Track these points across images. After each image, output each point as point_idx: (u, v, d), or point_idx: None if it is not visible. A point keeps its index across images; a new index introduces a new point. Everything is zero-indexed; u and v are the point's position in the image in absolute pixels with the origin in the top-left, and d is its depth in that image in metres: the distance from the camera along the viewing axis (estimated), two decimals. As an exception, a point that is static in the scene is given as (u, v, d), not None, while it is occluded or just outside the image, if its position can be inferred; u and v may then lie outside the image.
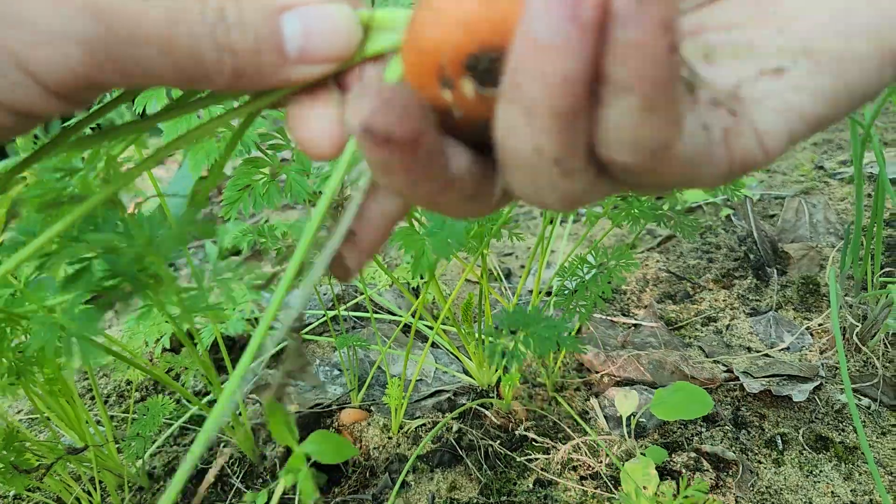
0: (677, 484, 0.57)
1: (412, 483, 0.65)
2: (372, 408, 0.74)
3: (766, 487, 0.59)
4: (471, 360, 0.75)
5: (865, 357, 0.71)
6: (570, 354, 0.76)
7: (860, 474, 0.59)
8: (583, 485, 0.60)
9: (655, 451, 0.60)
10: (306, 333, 0.84)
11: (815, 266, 0.89)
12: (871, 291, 0.72)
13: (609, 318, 0.82)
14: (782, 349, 0.75)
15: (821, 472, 0.60)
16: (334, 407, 0.74)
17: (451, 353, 0.79)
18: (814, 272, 0.88)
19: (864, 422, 0.65)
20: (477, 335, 0.72)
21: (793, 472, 0.60)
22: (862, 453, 0.61)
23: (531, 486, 0.61)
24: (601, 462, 0.61)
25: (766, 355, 0.74)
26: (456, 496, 0.62)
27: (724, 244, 0.96)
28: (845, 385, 0.47)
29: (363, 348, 0.81)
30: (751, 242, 0.96)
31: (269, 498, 0.58)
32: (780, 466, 0.61)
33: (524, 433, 0.66)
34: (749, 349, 0.76)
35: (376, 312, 0.91)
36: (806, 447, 0.62)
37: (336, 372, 0.80)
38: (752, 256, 0.92)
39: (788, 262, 0.94)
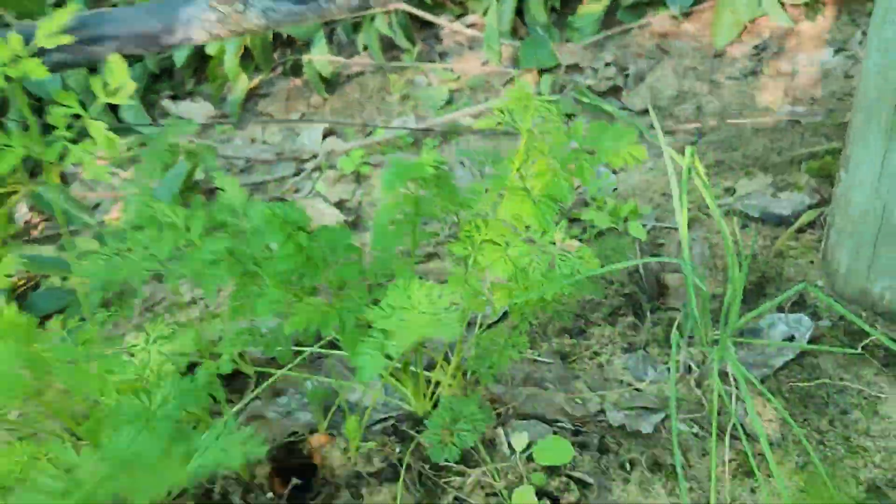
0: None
1: (365, 495, 0.89)
2: (334, 432, 0.97)
3: (615, 501, 0.84)
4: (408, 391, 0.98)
5: (702, 391, 0.97)
6: (486, 388, 0.99)
7: (680, 490, 0.85)
8: (488, 501, 0.84)
9: (537, 477, 0.84)
10: (278, 367, 1.06)
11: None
12: (703, 344, 0.97)
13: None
14: (649, 383, 1.00)
15: (652, 488, 0.86)
16: (304, 433, 0.97)
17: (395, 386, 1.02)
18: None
19: (692, 445, 0.91)
20: (415, 370, 0.94)
21: (634, 489, 0.86)
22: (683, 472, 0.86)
23: (451, 501, 0.86)
24: (501, 482, 0.86)
25: (636, 389, 0.99)
26: (397, 508, 0.86)
27: (617, 279, 1.19)
28: (672, 416, 0.71)
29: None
30: (638, 277, 1.19)
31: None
32: (626, 484, 0.86)
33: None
34: (621, 382, 1.00)
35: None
36: (646, 469, 0.88)
37: (304, 400, 1.03)
38: (635, 294, 1.15)
39: (668, 292, 1.18)
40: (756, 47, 1.99)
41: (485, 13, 2.12)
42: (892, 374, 0.95)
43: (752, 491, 0.85)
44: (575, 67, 1.98)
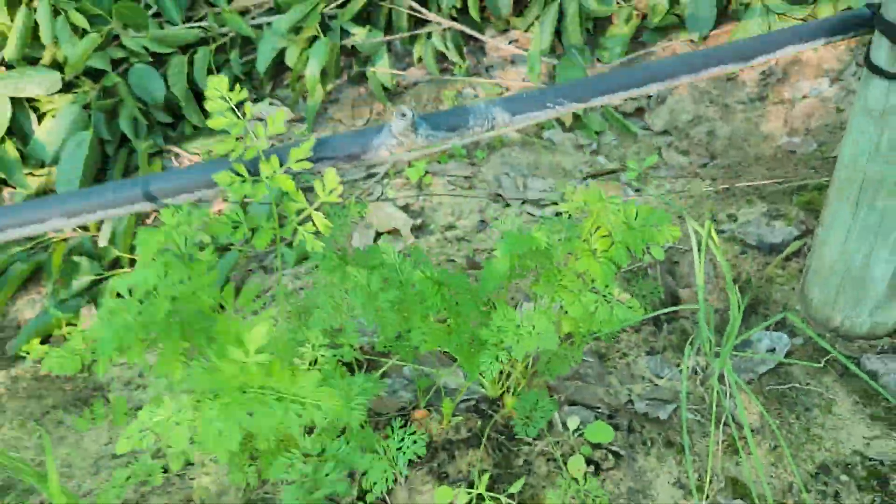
0: (596, 468, 1.16)
1: (457, 456, 1.22)
2: (431, 408, 1.30)
3: (639, 468, 1.18)
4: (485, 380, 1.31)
5: (704, 389, 1.30)
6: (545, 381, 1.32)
7: (686, 462, 1.19)
8: (548, 465, 1.18)
9: (585, 450, 1.18)
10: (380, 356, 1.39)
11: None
12: (708, 354, 1.30)
13: (566, 350, 1.38)
14: (665, 380, 1.33)
15: (666, 460, 1.20)
16: (409, 408, 1.30)
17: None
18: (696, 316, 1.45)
19: (696, 430, 1.24)
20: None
21: (653, 460, 1.20)
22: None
23: (521, 463, 1.19)
24: (558, 452, 1.19)
25: (655, 384, 1.33)
26: (482, 466, 1.20)
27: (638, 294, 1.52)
28: (682, 407, 1.04)
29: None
30: (658, 294, 1.52)
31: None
32: (647, 457, 1.20)
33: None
34: (644, 378, 1.34)
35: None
36: (662, 446, 1.22)
37: (405, 381, 1.36)
38: (654, 307, 1.48)
39: (681, 304, 1.51)
40: (763, 73, 2.27)
41: (527, 29, 2.39)
42: (845, 383, 1.29)
43: (737, 464, 1.19)
44: (605, 87, 2.27)
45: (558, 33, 2.33)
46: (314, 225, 0.95)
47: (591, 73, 2.29)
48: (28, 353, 1.49)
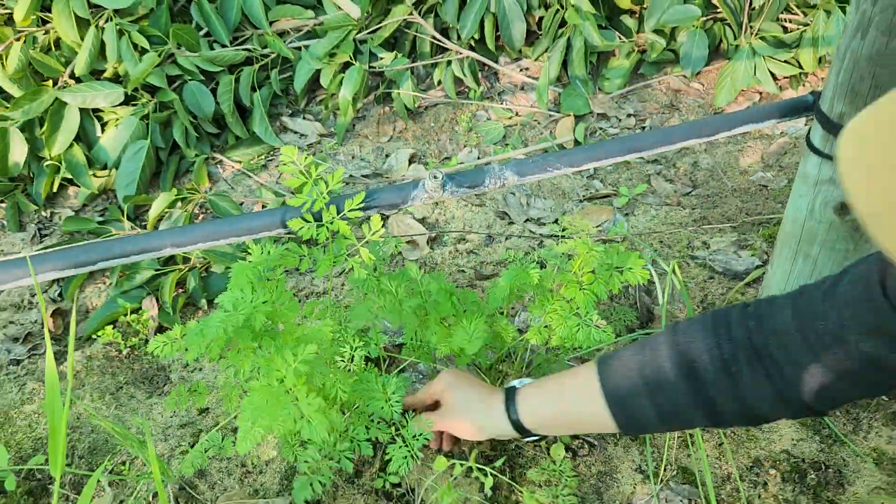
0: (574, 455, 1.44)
1: (459, 440, 1.50)
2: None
3: (608, 456, 1.46)
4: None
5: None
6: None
7: (646, 452, 1.47)
8: (534, 450, 1.46)
9: (565, 439, 1.46)
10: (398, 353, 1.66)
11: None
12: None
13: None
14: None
15: (630, 450, 1.47)
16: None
17: (477, 373, 1.63)
18: (662, 332, 1.72)
19: (657, 426, 1.52)
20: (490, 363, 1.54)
21: (620, 449, 1.48)
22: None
23: (512, 448, 1.47)
24: (543, 442, 1.47)
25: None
26: (478, 449, 1.48)
27: (621, 310, 1.79)
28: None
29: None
30: (636, 308, 1.79)
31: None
32: (615, 446, 1.48)
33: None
34: (618, 382, 1.61)
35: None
36: (628, 439, 1.50)
37: (420, 375, 1.64)
38: (633, 319, 1.76)
39: (655, 318, 1.78)
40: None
41: (536, 59, 2.65)
42: (782, 394, 1.56)
43: (688, 456, 1.47)
44: (603, 116, 2.53)
45: (565, 64, 2.59)
46: (360, 257, 1.23)
47: (593, 101, 2.55)
48: (100, 335, 1.79)
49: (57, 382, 1.00)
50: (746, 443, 1.49)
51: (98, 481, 1.44)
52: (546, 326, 1.35)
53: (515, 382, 1.28)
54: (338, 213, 1.18)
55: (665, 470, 1.44)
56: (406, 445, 1.30)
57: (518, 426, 1.21)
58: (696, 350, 0.99)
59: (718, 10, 2.63)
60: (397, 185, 1.22)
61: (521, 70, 2.64)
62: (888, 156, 0.53)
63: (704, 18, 2.60)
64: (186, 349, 1.24)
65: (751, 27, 2.63)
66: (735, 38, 2.64)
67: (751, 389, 0.93)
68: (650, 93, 2.62)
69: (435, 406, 1.36)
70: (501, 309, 1.45)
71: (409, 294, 1.30)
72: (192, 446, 1.52)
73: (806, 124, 2.41)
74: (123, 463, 1.50)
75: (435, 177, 1.19)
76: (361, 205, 1.19)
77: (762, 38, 2.58)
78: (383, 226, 2.20)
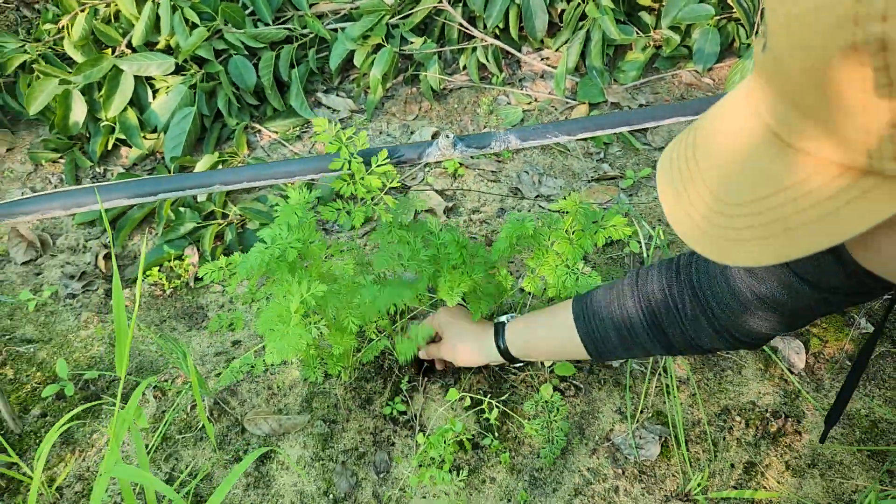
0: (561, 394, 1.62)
1: (461, 378, 1.69)
2: (446, 343, 1.76)
3: (592, 398, 1.64)
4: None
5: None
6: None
7: (626, 397, 1.64)
8: (527, 389, 1.64)
9: (554, 381, 1.64)
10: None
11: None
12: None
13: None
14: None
15: (613, 395, 1.65)
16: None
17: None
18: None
19: (638, 376, 1.69)
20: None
21: (604, 393, 1.65)
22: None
23: (507, 387, 1.66)
24: (536, 381, 1.65)
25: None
26: (481, 386, 1.66)
27: (606, 276, 1.96)
28: (629, 360, 1.49)
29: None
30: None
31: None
32: (599, 391, 1.66)
33: (508, 365, 1.70)
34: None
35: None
36: (611, 384, 1.67)
37: (430, 323, 1.82)
38: (625, 287, 1.92)
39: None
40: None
41: (557, 49, 2.82)
42: (755, 355, 1.73)
43: (664, 402, 1.64)
44: (616, 105, 2.70)
45: (584, 55, 2.76)
46: (384, 204, 1.42)
47: (608, 91, 2.72)
48: (148, 275, 2.00)
49: (123, 299, 1.20)
50: (717, 394, 1.66)
51: (143, 394, 1.65)
52: (542, 279, 1.53)
53: (504, 318, 1.47)
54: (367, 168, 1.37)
55: (642, 412, 1.62)
56: (411, 339, 1.49)
57: (506, 353, 1.40)
58: (651, 290, 1.16)
59: (733, 11, 2.78)
60: (415, 144, 1.41)
61: (541, 59, 2.82)
62: (677, 184, 0.64)
63: (718, 17, 2.75)
64: (232, 274, 1.44)
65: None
66: (747, 37, 2.78)
67: (692, 323, 1.11)
68: (663, 85, 2.78)
69: (434, 340, 1.55)
70: (502, 262, 1.63)
71: (426, 245, 1.49)
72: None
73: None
74: (165, 381, 1.71)
75: (447, 136, 1.38)
76: (385, 160, 1.37)
77: (772, 38, 2.72)
78: (405, 195, 2.39)
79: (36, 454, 1.32)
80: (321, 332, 1.31)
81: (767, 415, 1.60)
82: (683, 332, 1.13)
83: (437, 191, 2.37)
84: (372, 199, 1.41)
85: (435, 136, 2.59)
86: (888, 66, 0.44)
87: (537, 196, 2.35)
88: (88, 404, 1.60)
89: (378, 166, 1.36)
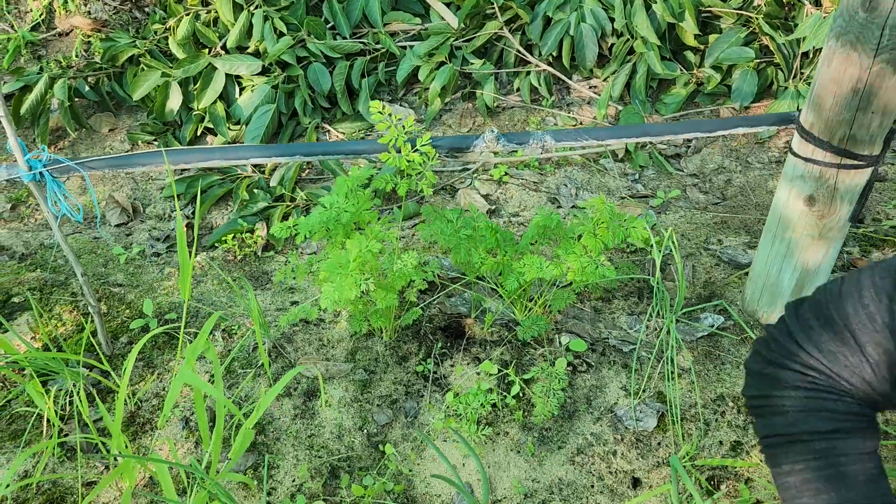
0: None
1: (488, 348, 1.92)
2: (477, 320, 2.00)
3: (601, 375, 1.85)
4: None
5: (658, 340, 1.95)
6: (553, 315, 2.00)
7: (631, 378, 1.85)
8: (545, 363, 1.86)
9: (568, 356, 1.86)
10: (451, 283, 2.09)
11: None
12: (665, 318, 1.95)
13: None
14: (635, 331, 1.99)
15: (620, 374, 1.85)
16: (462, 317, 2.00)
17: (510, 306, 2.04)
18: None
19: (645, 362, 1.89)
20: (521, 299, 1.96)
21: (612, 372, 1.86)
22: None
23: (527, 359, 1.88)
24: (552, 356, 1.87)
25: (628, 332, 1.98)
26: (504, 357, 1.89)
27: (633, 283, 2.18)
28: (637, 347, 1.70)
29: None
30: (643, 279, 2.17)
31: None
32: (609, 370, 1.86)
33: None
34: (622, 328, 1.99)
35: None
36: (620, 366, 1.88)
37: (464, 301, 2.06)
38: (641, 286, 2.13)
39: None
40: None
41: (605, 79, 3.07)
42: (753, 353, 1.91)
43: (666, 385, 1.84)
44: (655, 133, 2.92)
45: (629, 86, 3.00)
46: (426, 182, 1.67)
47: (648, 120, 2.94)
48: (224, 241, 2.29)
49: (184, 235, 1.47)
50: (715, 383, 1.85)
51: (213, 333, 1.92)
52: (568, 268, 1.76)
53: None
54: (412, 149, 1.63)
55: (644, 392, 1.82)
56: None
57: None
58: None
59: (773, 56, 2.99)
60: (462, 136, 1.67)
61: (589, 87, 3.06)
62: None
63: (758, 60, 2.96)
64: (296, 234, 1.71)
65: (801, 73, 2.98)
66: (785, 80, 2.98)
67: None
68: (701, 119, 2.99)
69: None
70: (533, 252, 1.87)
71: (464, 226, 1.73)
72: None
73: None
74: (231, 327, 1.98)
75: (492, 131, 1.63)
76: (429, 141, 1.63)
77: (808, 83, 2.92)
78: (453, 198, 2.65)
79: (123, 366, 1.60)
80: (369, 288, 1.56)
81: (757, 403, 1.78)
82: None
83: (482, 195, 2.62)
84: (417, 174, 1.66)
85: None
86: None
87: (573, 206, 2.58)
88: (166, 327, 1.88)
89: (423, 146, 1.62)
